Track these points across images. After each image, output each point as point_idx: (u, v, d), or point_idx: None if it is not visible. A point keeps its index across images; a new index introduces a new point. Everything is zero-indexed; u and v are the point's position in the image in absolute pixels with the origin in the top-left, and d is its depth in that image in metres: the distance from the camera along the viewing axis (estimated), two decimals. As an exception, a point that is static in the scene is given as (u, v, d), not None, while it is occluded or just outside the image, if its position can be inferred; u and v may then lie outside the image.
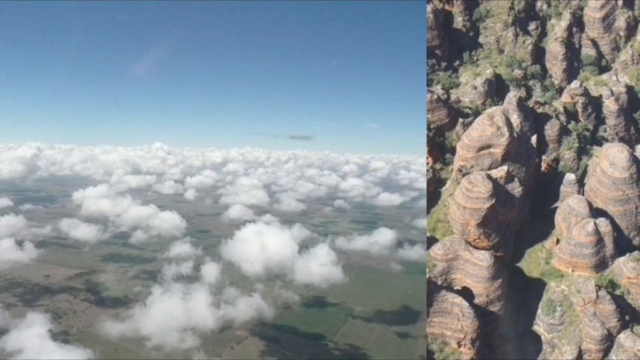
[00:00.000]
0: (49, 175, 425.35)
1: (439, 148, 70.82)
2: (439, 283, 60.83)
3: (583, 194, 67.71)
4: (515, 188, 64.93)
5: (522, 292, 64.88)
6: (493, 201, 60.87)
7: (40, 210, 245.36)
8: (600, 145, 74.83)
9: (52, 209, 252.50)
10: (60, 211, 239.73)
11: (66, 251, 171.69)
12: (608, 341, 59.59)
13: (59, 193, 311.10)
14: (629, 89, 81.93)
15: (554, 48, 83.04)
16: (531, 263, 66.68)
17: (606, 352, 59.72)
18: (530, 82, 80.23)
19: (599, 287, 60.16)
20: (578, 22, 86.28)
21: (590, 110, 78.49)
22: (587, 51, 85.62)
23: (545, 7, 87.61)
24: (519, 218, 67.15)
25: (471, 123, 67.64)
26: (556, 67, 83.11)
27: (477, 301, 60.76)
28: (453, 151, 68.76)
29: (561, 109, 76.72)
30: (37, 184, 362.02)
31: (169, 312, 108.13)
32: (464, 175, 63.78)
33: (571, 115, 77.36)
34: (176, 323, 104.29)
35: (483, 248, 61.86)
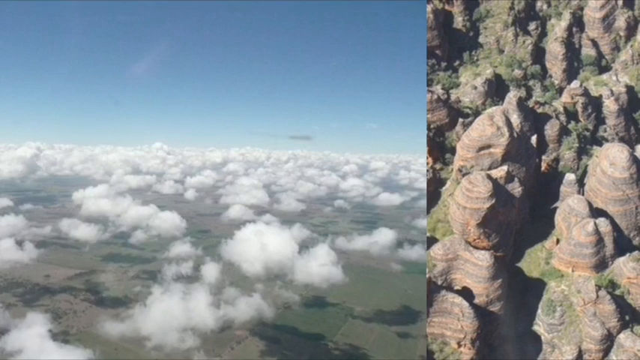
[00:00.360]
0: (49, 175, 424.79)
1: (439, 148, 70.81)
2: (439, 283, 60.83)
3: (583, 194, 67.71)
4: (515, 188, 64.93)
5: (522, 292, 64.89)
6: (493, 201, 60.87)
7: (40, 210, 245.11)
8: (600, 145, 74.82)
9: (52, 209, 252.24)
10: (60, 211, 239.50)
11: (66, 251, 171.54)
12: (608, 341, 59.59)
13: (59, 193, 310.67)
14: (629, 89, 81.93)
15: (554, 48, 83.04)
16: (531, 263, 66.68)
17: (606, 352, 59.72)
18: (530, 82, 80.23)
19: (599, 287, 60.16)
20: (578, 22, 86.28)
21: (590, 110, 78.49)
22: (587, 51, 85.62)
23: (545, 7, 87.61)
24: (519, 218, 67.15)
25: (471, 123, 67.63)
26: (556, 67, 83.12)
27: (477, 301, 60.76)
28: (453, 151, 68.76)
29: (561, 109, 76.72)
30: (37, 184, 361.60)
31: (169, 312, 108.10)
32: (464, 175, 63.78)
33: (571, 115, 77.36)
34: (176, 323, 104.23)
35: (483, 248, 61.86)
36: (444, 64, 79.22)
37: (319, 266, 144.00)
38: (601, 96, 79.83)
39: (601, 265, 62.32)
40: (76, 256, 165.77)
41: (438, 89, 72.40)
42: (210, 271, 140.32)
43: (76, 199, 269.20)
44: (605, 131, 79.62)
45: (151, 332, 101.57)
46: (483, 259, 60.07)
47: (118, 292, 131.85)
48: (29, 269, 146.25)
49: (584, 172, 71.40)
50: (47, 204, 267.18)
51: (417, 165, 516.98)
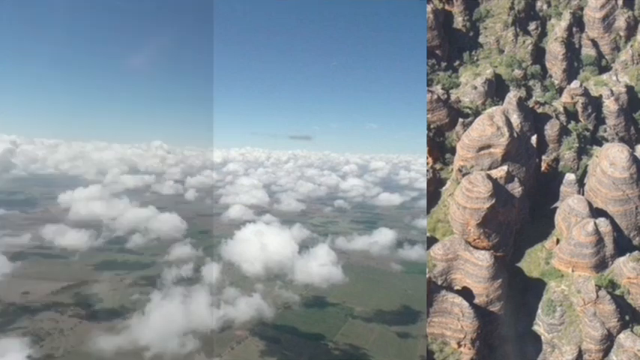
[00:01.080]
0: (28, 174, 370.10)
1: (439, 148, 70.84)
2: (439, 283, 60.84)
3: (583, 194, 67.73)
4: (515, 188, 64.93)
5: (522, 292, 64.90)
6: (493, 201, 60.87)
7: (16, 215, 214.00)
8: (600, 145, 74.90)
9: (31, 214, 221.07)
10: (42, 216, 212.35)
11: (50, 262, 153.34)
12: (608, 341, 59.62)
13: (41, 195, 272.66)
14: (629, 89, 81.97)
15: (554, 48, 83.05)
16: (531, 263, 66.69)
17: (606, 352, 59.75)
18: (530, 82, 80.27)
19: (599, 287, 60.20)
20: (578, 22, 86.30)
21: (590, 110, 78.52)
22: (587, 51, 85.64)
23: (545, 7, 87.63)
24: (519, 218, 67.15)
25: (470, 123, 67.68)
26: (556, 67, 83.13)
27: (477, 301, 60.78)
28: (453, 151, 68.79)
29: (561, 109, 76.75)
30: (12, 184, 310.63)
31: (169, 317, 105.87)
32: (464, 175, 63.80)
33: (571, 115, 77.39)
34: (176, 327, 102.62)
35: (483, 248, 61.87)
36: (444, 64, 79.28)
37: (319, 266, 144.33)
38: (601, 96, 79.88)
39: (601, 265, 62.32)
40: (62, 267, 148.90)
41: (438, 89, 72.42)
42: (211, 271, 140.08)
43: (62, 201, 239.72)
44: (605, 131, 79.65)
45: (150, 341, 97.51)
46: (483, 259, 60.08)
47: (114, 302, 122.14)
48: (2, 286, 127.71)
49: (584, 172, 71.43)
50: (25, 208, 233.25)
51: (417, 165, 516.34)
